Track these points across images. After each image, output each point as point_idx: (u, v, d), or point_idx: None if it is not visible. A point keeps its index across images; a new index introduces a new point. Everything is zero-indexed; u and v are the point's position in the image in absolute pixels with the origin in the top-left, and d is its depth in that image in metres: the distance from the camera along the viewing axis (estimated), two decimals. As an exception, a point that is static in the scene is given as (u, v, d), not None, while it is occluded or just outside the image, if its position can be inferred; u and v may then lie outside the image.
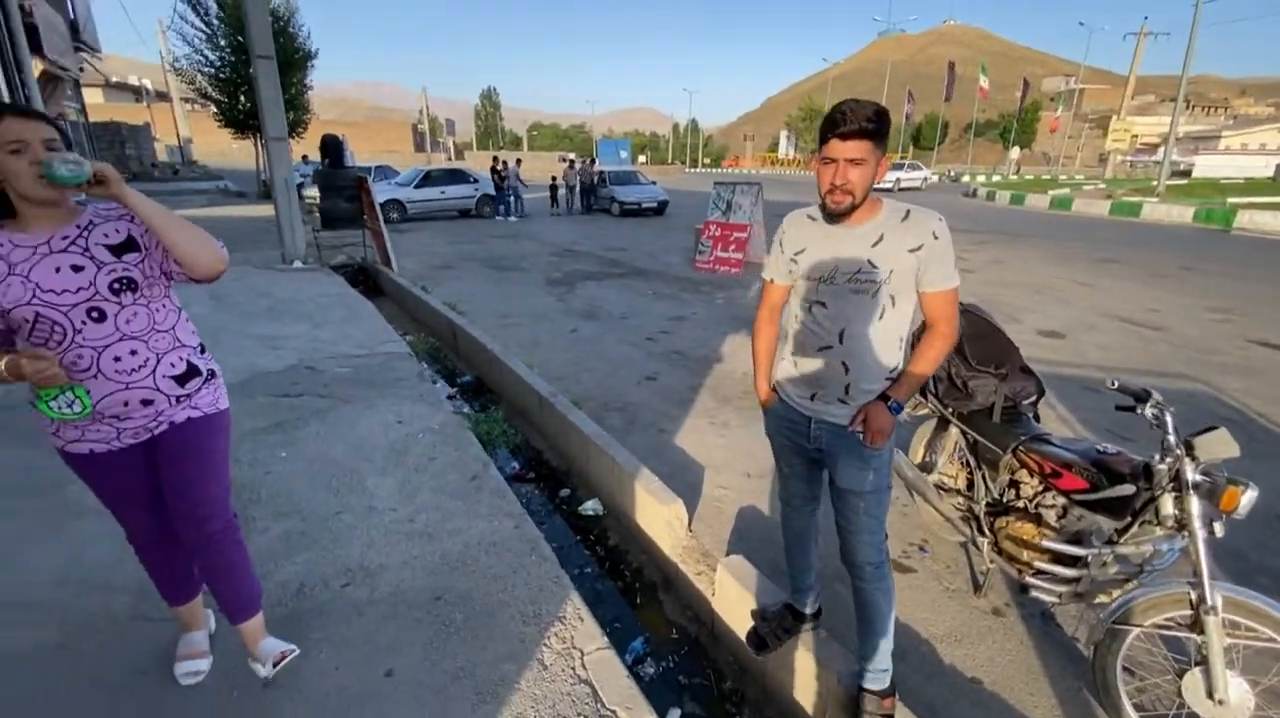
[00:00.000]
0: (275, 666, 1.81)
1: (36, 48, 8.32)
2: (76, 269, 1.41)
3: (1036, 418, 2.39)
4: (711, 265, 9.33)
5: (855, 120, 1.41)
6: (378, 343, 5.20)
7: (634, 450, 3.31)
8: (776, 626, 2.03)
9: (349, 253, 9.66)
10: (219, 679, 1.90)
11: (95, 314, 1.43)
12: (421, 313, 6.97)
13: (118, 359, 1.46)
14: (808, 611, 2.05)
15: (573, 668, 1.98)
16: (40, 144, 1.33)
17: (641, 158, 72.96)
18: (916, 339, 1.66)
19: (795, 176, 45.77)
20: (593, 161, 20.45)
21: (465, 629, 2.12)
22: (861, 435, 1.60)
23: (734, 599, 2.37)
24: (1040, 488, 2.12)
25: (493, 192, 16.92)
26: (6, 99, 6.91)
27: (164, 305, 1.57)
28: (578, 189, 19.06)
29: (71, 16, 15.32)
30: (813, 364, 1.65)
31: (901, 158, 41.90)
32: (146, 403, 1.52)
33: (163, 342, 1.55)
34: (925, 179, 30.38)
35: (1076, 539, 2.00)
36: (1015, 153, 45.97)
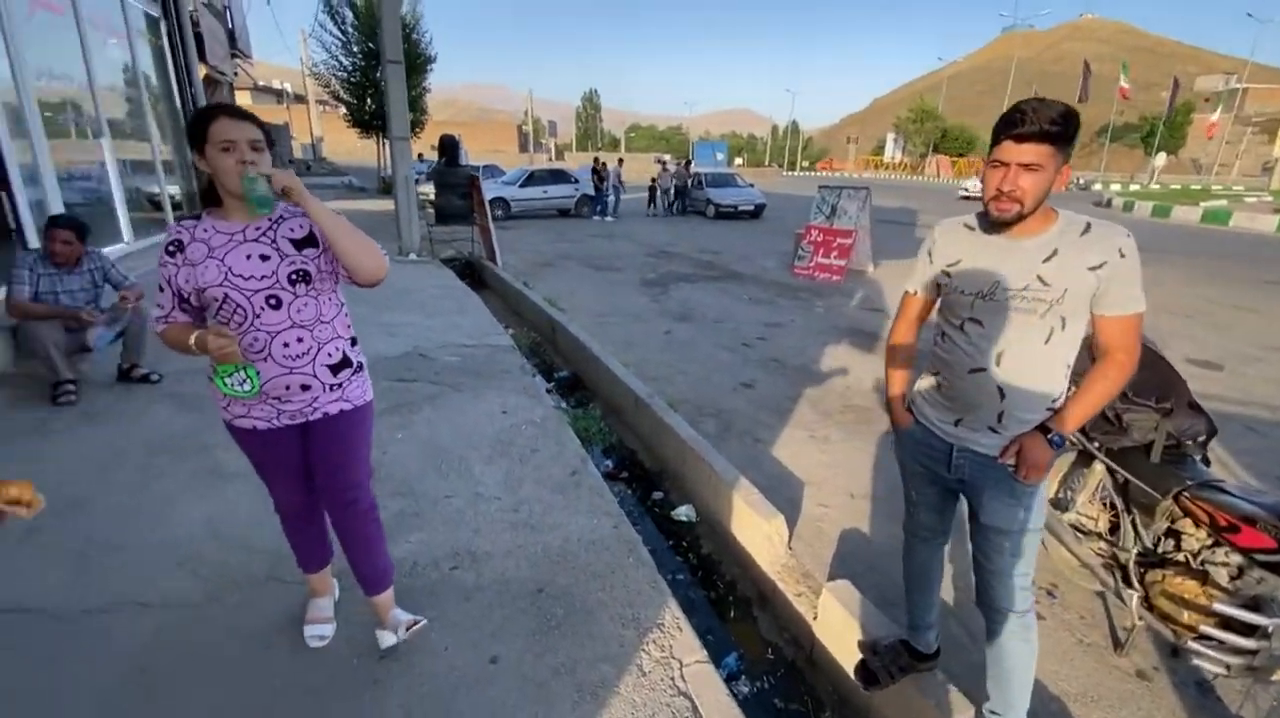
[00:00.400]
0: (407, 630, 1.92)
1: (201, 55, 9.33)
2: (264, 258, 1.53)
3: (1205, 462, 2.11)
4: (811, 272, 9.05)
5: (1036, 121, 1.28)
6: (484, 335, 5.42)
7: (729, 459, 3.25)
8: (890, 662, 1.91)
9: (458, 247, 10.16)
10: (341, 645, 2.02)
11: (273, 301, 1.54)
12: (523, 308, 7.21)
13: (286, 345, 1.57)
14: (926, 650, 1.91)
15: (671, 678, 1.96)
16: (246, 144, 1.45)
17: (738, 160, 72.13)
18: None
19: (900, 181, 43.58)
20: (688, 164, 20.40)
21: (565, 625, 2.14)
22: (1013, 469, 1.47)
23: (838, 627, 2.26)
24: (1209, 542, 1.87)
25: (591, 192, 17.28)
26: (178, 101, 7.79)
27: (330, 299, 1.67)
28: (671, 191, 19.01)
29: (230, 26, 17.07)
30: (961, 387, 1.53)
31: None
32: (305, 388, 1.63)
33: (325, 332, 1.65)
34: None
35: (1255, 605, 1.74)
36: (1160, 159, 41.31)
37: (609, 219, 17.04)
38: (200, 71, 10.10)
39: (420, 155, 23.26)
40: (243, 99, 34.14)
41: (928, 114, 63.60)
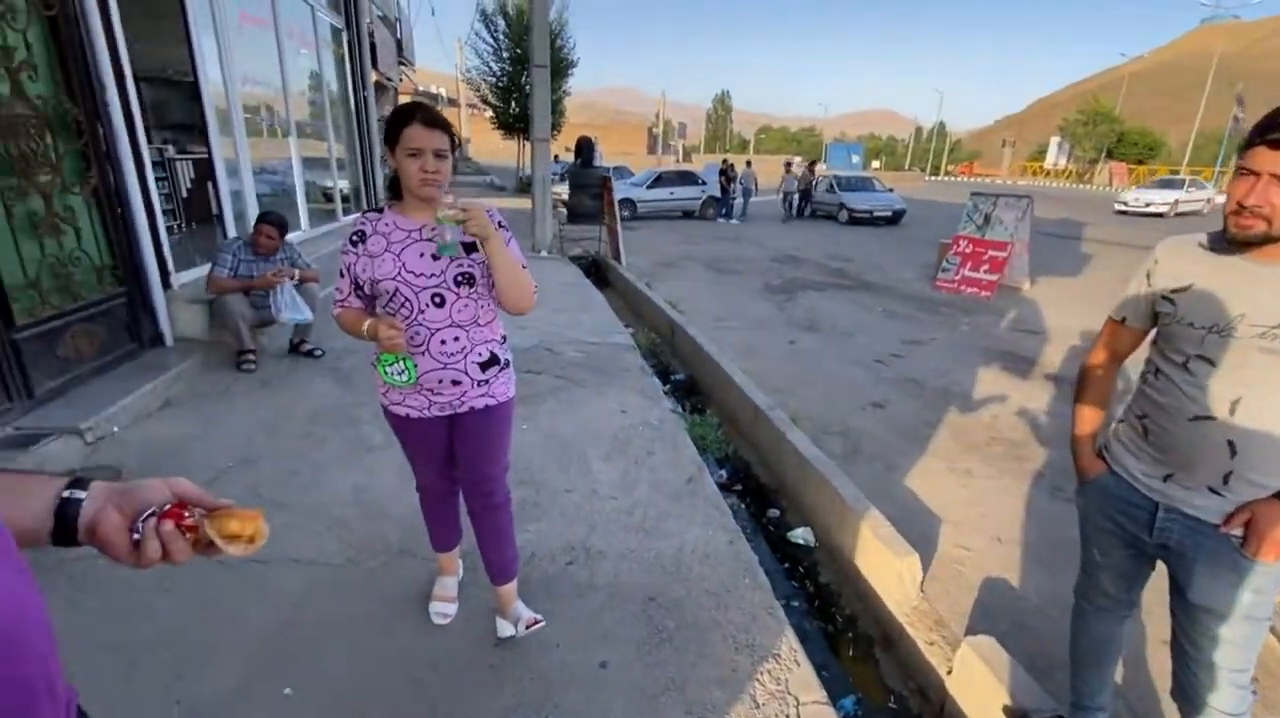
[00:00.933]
0: (527, 627, 1.96)
1: (374, 62, 10.32)
2: (435, 258, 1.61)
3: None
4: (956, 286, 8.33)
5: None
6: (606, 332, 5.50)
7: (856, 483, 3.02)
8: (1047, 741, 1.66)
9: (586, 246, 10.46)
10: (461, 625, 2.09)
11: (437, 299, 1.62)
12: (644, 307, 7.26)
13: (443, 343, 1.65)
14: (1094, 735, 1.63)
15: (786, 715, 1.82)
16: (431, 153, 1.53)
17: (875, 163, 68.46)
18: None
19: (1062, 190, 39.14)
20: (813, 165, 19.58)
21: (677, 639, 2.08)
22: (1240, 541, 1.20)
23: (977, 686, 2.01)
24: None
25: (717, 194, 17.12)
26: (352, 104, 8.66)
27: (487, 304, 1.74)
28: (795, 195, 18.07)
29: (399, 37, 18.81)
30: (1178, 436, 1.27)
31: (1192, 172, 32.11)
32: (455, 383, 1.70)
33: (478, 334, 1.72)
34: (1209, 200, 21.57)
35: None
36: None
37: (734, 222, 16.82)
38: (372, 78, 11.17)
39: (557, 157, 24.29)
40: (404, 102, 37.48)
41: (1102, 115, 56.49)
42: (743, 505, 3.52)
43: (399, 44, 18.80)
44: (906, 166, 75.07)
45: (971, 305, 7.70)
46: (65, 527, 0.64)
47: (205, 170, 5.22)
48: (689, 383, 5.25)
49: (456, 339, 1.67)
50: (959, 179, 57.66)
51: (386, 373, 1.67)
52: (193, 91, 4.91)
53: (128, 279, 3.76)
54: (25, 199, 3.06)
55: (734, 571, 2.43)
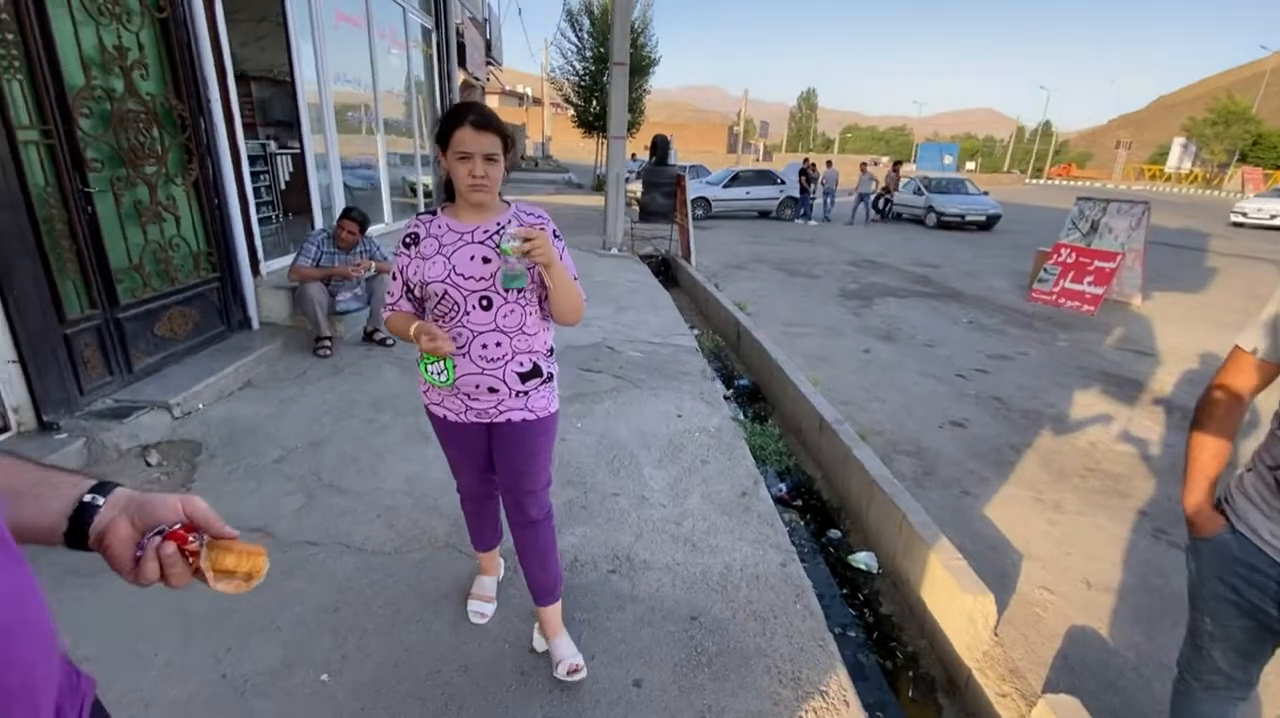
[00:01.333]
0: (568, 674, 1.82)
1: (462, 62, 10.65)
2: (485, 261, 1.56)
3: None
4: (1054, 298, 7.67)
5: None
6: (670, 333, 5.40)
7: (928, 508, 2.79)
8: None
9: (656, 244, 10.39)
10: (496, 627, 2.06)
11: (484, 303, 1.58)
12: (710, 309, 7.11)
13: (484, 347, 1.61)
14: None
15: (831, 763, 1.67)
16: (481, 158, 1.47)
17: (970, 164, 64.70)
18: None
19: (1187, 197, 35.39)
20: (898, 166, 18.62)
21: (717, 664, 1.96)
22: None
23: (1057, 754, 1.77)
24: None
25: (796, 194, 16.64)
26: (438, 102, 8.97)
27: (534, 313, 1.67)
28: (870, 197, 16.89)
29: (488, 38, 19.42)
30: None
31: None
32: (492, 390, 1.65)
33: (522, 342, 1.65)
34: None
35: None
36: None
37: (812, 223, 16.29)
38: (459, 77, 11.55)
39: (634, 155, 24.41)
40: (491, 102, 38.90)
41: (1235, 114, 50.77)
42: (801, 523, 3.34)
43: (488, 44, 19.39)
44: (1005, 168, 70.55)
45: (1071, 320, 7.06)
46: (79, 531, 0.63)
47: (302, 164, 5.53)
48: (753, 389, 5.08)
49: (499, 345, 1.62)
50: (1055, 182, 53.51)
51: (427, 371, 1.67)
52: (293, 89, 5.20)
53: (221, 265, 4.00)
54: (133, 188, 3.30)
55: (784, 595, 2.28)
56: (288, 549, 2.38)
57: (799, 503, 3.49)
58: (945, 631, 2.39)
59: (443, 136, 1.50)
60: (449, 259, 1.56)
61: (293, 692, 1.79)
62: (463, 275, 1.55)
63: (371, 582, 2.23)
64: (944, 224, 15.60)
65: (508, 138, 1.53)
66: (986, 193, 16.86)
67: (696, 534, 2.59)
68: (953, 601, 2.34)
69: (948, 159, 48.39)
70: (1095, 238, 7.75)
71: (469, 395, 1.67)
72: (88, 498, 0.64)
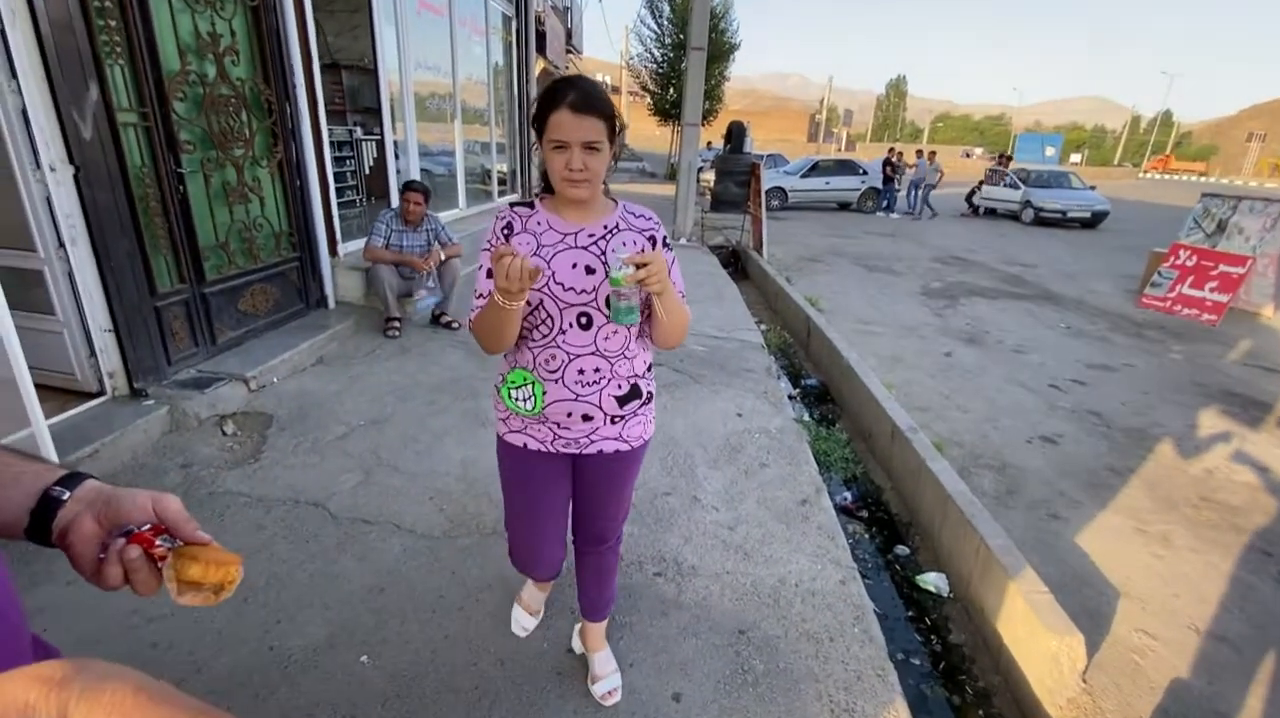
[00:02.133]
0: (604, 698, 1.74)
1: (541, 49, 10.73)
2: (589, 271, 1.32)
3: None
4: (1168, 304, 6.93)
5: None
6: (735, 327, 5.23)
7: (1009, 530, 2.54)
8: None
9: (727, 235, 10.15)
10: (539, 630, 2.01)
11: (584, 321, 1.34)
12: (780, 303, 6.85)
13: (581, 372, 1.38)
14: None
15: (884, 811, 1.52)
16: (580, 147, 1.22)
17: (1075, 156, 59.90)
18: None
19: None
20: (1005, 159, 17.37)
21: (764, 685, 1.83)
22: None
23: (1155, 831, 1.54)
24: None
25: (879, 185, 15.87)
26: (515, 90, 9.06)
27: (636, 335, 1.44)
28: (922, 188, 15.44)
29: (569, 25, 19.53)
30: None
31: None
32: (587, 419, 1.43)
33: (624, 366, 1.43)
34: None
35: None
36: None
37: (894, 216, 15.51)
38: (538, 65, 11.66)
39: (709, 143, 24.03)
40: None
41: (1404, 101, 44.35)
42: (866, 535, 3.13)
43: (568, 32, 19.53)
44: (1115, 162, 64.97)
45: (1187, 330, 6.35)
46: (41, 524, 0.59)
47: (383, 150, 5.70)
48: (821, 390, 4.84)
49: (597, 370, 1.39)
50: (1153, 176, 48.52)
51: (510, 397, 1.45)
52: (376, 77, 5.35)
53: (301, 246, 4.17)
54: (222, 170, 3.46)
55: (842, 616, 2.11)
56: (341, 525, 2.42)
57: (864, 514, 3.28)
58: (1024, 669, 2.16)
59: (538, 119, 1.27)
60: (548, 263, 1.32)
61: (333, 671, 1.80)
62: (562, 285, 1.31)
63: (418, 565, 2.23)
64: (1042, 220, 14.47)
65: (614, 119, 1.27)
66: (1093, 187, 15.51)
67: (750, 542, 2.45)
68: (1035, 637, 2.11)
69: (1050, 151, 44.94)
70: (1222, 239, 6.92)
71: (559, 424, 1.45)
72: (54, 491, 0.59)
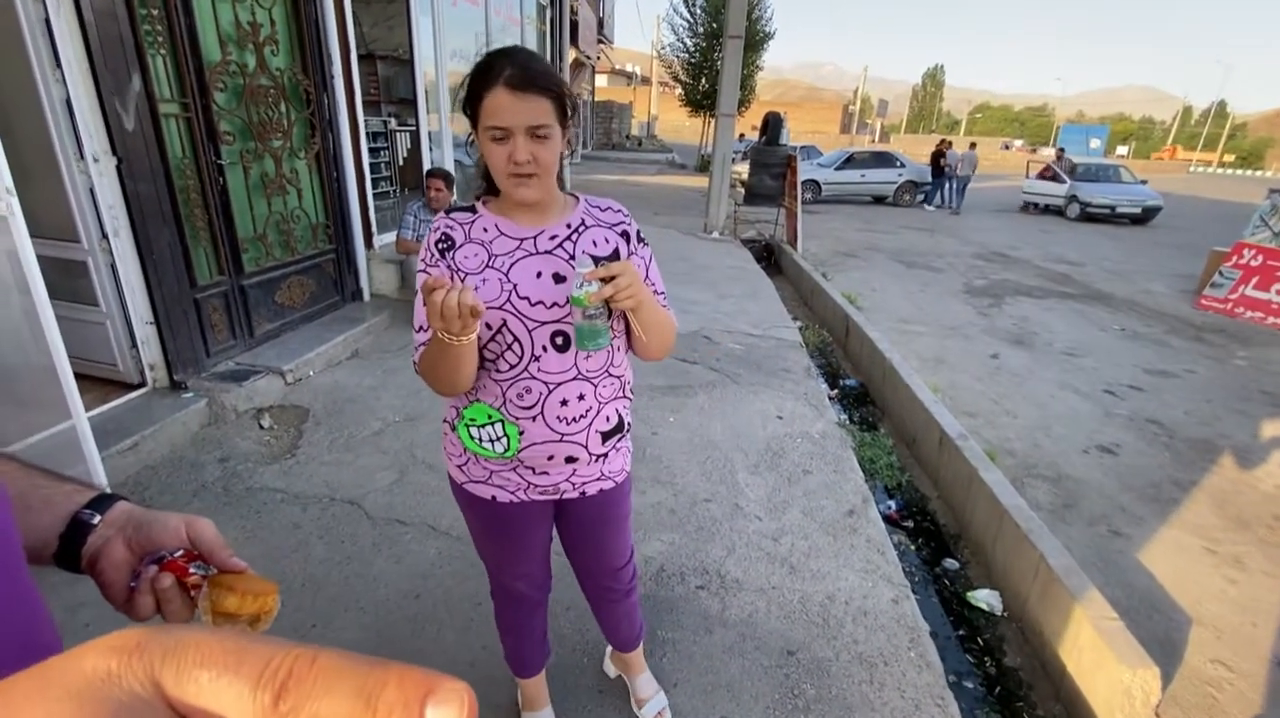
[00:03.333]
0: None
1: (574, 39, 10.64)
2: (558, 279, 1.09)
3: None
4: (1230, 307, 6.57)
5: None
6: (771, 325, 5.10)
7: (1068, 546, 2.40)
8: None
9: (759, 228, 9.95)
10: (575, 634, 1.93)
11: (559, 341, 1.11)
12: (816, 300, 6.67)
13: (564, 403, 1.14)
14: None
15: None
16: (524, 134, 1.00)
17: (1122, 149, 57.69)
18: None
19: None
20: (1061, 153, 16.72)
21: (815, 711, 1.73)
22: None
23: None
24: None
25: (917, 178, 15.41)
26: (550, 80, 8.98)
27: (621, 345, 1.23)
28: (955, 180, 14.87)
29: (600, 15, 19.37)
30: None
31: None
32: (570, 460, 1.20)
33: (608, 388, 1.20)
34: None
35: None
36: None
37: (929, 208, 15.08)
38: (570, 55, 11.56)
39: (741, 135, 23.68)
40: (600, 81, 39.12)
41: None
42: (912, 547, 3.00)
43: (600, 22, 19.39)
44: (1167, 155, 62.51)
45: (1253, 334, 6.01)
46: (71, 550, 0.54)
47: (418, 141, 5.68)
48: (860, 391, 4.68)
49: (581, 398, 1.15)
50: (1202, 170, 46.33)
51: (471, 438, 1.17)
52: (411, 67, 5.31)
53: (337, 238, 4.16)
54: (260, 161, 3.45)
55: (896, 638, 2.00)
56: (377, 525, 2.38)
57: (909, 524, 3.14)
58: (1090, 700, 2.02)
59: (469, 103, 1.04)
60: (505, 275, 1.08)
61: (370, 679, 1.75)
62: (528, 300, 1.08)
63: (454, 571, 2.18)
64: (1089, 216, 13.90)
65: (565, 97, 1.04)
66: (1144, 181, 14.85)
67: (795, 555, 2.35)
68: (1104, 667, 1.97)
69: (1095, 143, 43.32)
70: (1292, 237, 6.53)
71: (534, 469, 1.20)
72: (83, 514, 0.55)
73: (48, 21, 2.38)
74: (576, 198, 1.21)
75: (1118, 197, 13.75)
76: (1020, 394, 4.31)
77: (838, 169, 15.71)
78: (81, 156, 2.58)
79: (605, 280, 1.00)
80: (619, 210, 1.22)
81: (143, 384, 2.98)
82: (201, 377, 3.14)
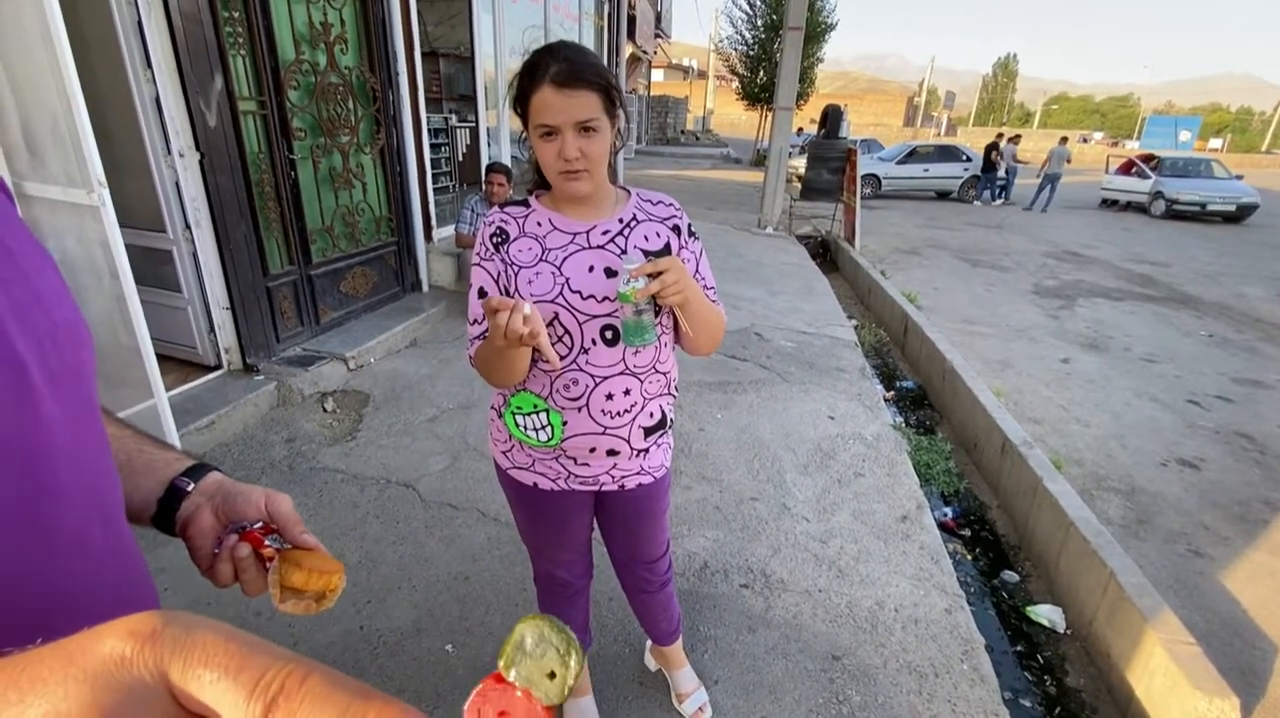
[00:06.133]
0: (696, 715, 1.66)
1: (631, 34, 10.64)
2: (610, 274, 1.10)
3: None
4: (1335, 313, 6.02)
5: None
6: (825, 323, 4.98)
7: (1141, 564, 2.26)
8: None
9: (815, 224, 9.73)
10: (618, 625, 1.95)
11: (609, 335, 1.12)
12: (873, 299, 6.48)
13: (609, 397, 1.15)
14: None
15: None
16: (572, 130, 1.01)
17: (1216, 142, 53.56)
18: None
19: None
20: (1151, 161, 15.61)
21: (859, 719, 1.69)
22: None
23: None
24: None
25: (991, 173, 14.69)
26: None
27: (668, 343, 1.23)
28: (1008, 174, 14.29)
29: (658, 9, 19.31)
30: None
31: None
32: (612, 453, 1.22)
33: (654, 384, 1.21)
34: None
35: None
36: None
37: (995, 203, 14.40)
38: (626, 50, 11.57)
39: (799, 129, 23.18)
40: (656, 75, 39.03)
41: None
42: (969, 557, 2.89)
43: (657, 16, 19.33)
44: (1264, 148, 57.78)
45: (1363, 343, 5.49)
46: (167, 513, 0.59)
47: (476, 137, 5.82)
48: (918, 393, 4.52)
49: (628, 393, 1.17)
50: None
51: (517, 426, 1.21)
52: (471, 64, 5.43)
53: (399, 230, 4.30)
54: (329, 156, 3.60)
55: (949, 649, 1.93)
56: (430, 508, 2.46)
57: (966, 533, 3.02)
58: (1162, 729, 1.90)
59: (519, 102, 1.06)
60: (558, 269, 1.10)
61: (419, 657, 1.82)
62: (580, 294, 1.09)
63: (503, 555, 2.23)
64: (1176, 214, 12.98)
65: (612, 90, 1.04)
66: (1240, 177, 13.76)
67: (844, 558, 2.29)
68: (1177, 693, 1.84)
69: (1185, 135, 40.26)
70: None
71: (575, 460, 1.23)
72: (179, 482, 0.60)
73: (140, 24, 2.54)
74: (628, 192, 1.21)
75: (1209, 193, 12.79)
76: (1092, 402, 4.08)
77: (899, 163, 15.19)
78: (169, 152, 2.75)
79: (653, 276, 0.99)
80: (670, 204, 1.22)
81: (218, 366, 3.16)
82: (271, 361, 3.31)
